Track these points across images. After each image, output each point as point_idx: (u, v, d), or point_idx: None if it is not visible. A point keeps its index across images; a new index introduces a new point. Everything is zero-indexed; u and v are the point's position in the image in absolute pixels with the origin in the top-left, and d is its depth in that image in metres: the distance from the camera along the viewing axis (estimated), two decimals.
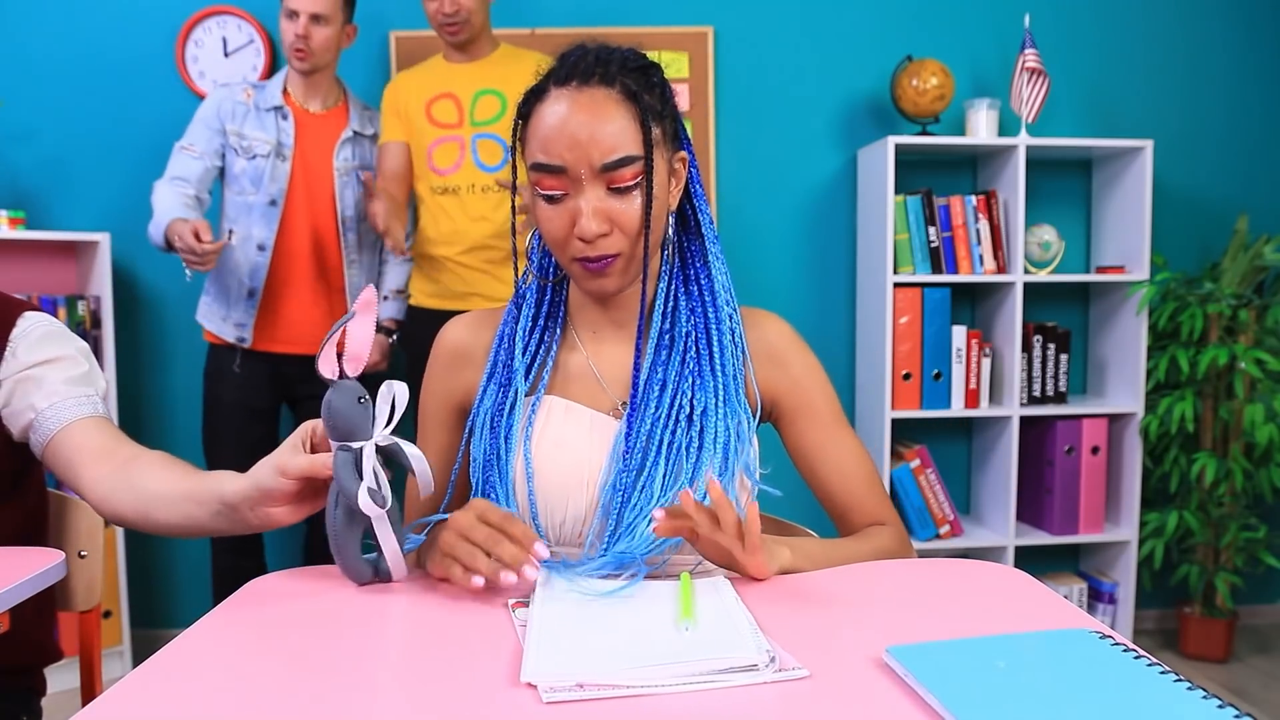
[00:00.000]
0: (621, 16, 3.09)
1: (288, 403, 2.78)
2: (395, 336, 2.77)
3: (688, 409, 1.13)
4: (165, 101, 3.00)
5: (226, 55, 3.03)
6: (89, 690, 1.40)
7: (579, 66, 1.08)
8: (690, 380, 1.14)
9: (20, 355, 1.31)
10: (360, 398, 0.95)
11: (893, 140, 2.88)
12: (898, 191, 2.95)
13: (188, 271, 2.43)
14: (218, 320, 2.65)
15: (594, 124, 1.05)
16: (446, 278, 2.64)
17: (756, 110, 3.14)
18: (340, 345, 0.97)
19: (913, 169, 3.14)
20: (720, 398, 1.13)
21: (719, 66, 3.12)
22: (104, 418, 1.31)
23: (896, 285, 2.94)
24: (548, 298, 1.23)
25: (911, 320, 2.96)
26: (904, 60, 3.00)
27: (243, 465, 3.14)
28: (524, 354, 1.19)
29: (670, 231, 1.18)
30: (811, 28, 3.15)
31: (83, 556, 1.42)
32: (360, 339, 0.97)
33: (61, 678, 2.10)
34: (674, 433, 1.11)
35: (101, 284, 2.85)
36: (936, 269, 2.98)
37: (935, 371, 2.98)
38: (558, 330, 1.22)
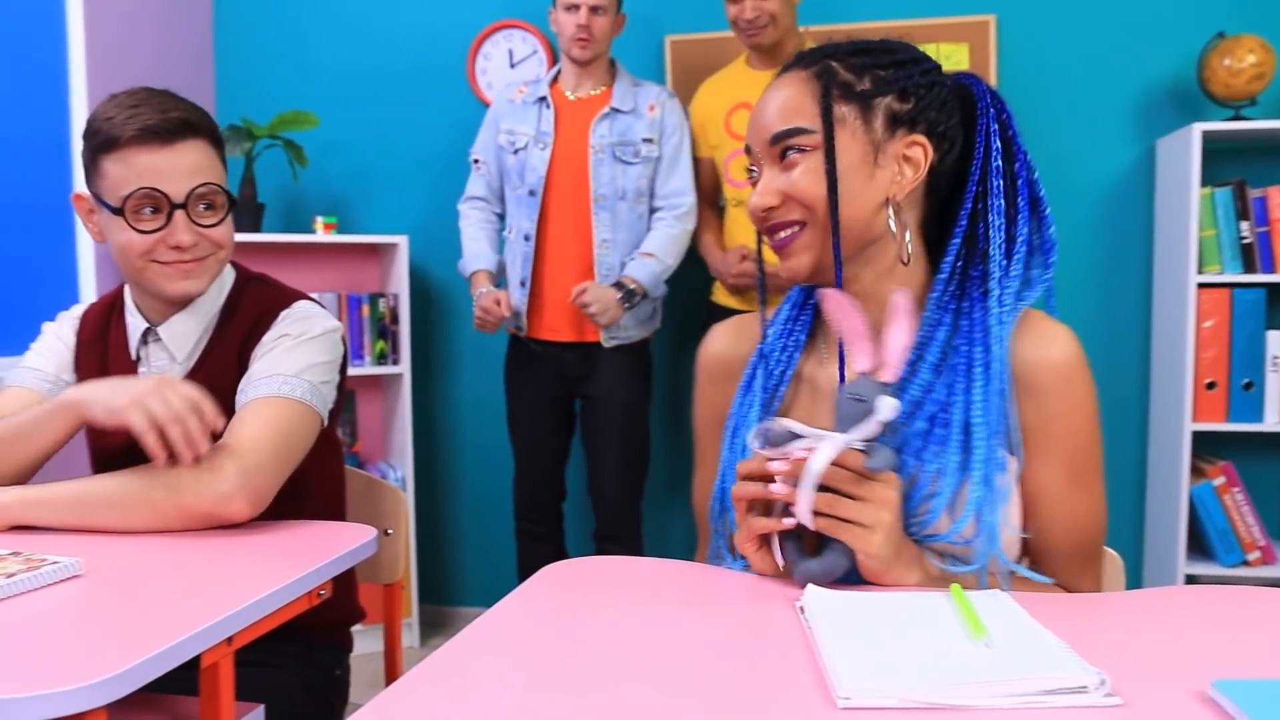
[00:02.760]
0: (898, 9, 3.00)
1: (580, 398, 2.81)
2: (624, 295, 2.57)
3: (944, 418, 1.01)
4: (457, 112, 3.22)
5: (513, 66, 3.21)
6: (391, 655, 1.54)
7: (797, 57, 1.10)
8: (946, 388, 1.02)
9: (276, 330, 1.39)
10: (852, 395, 0.95)
11: (1199, 127, 2.63)
12: (1204, 183, 2.69)
13: (476, 321, 2.68)
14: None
15: (768, 101, 1.07)
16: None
17: (1042, 101, 2.96)
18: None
19: (1221, 158, 2.85)
20: (986, 413, 1.00)
21: (1001, 56, 2.96)
22: (271, 398, 1.32)
23: (1200, 286, 2.68)
24: (800, 311, 1.17)
25: (1218, 324, 2.69)
26: (1215, 37, 2.73)
27: (531, 452, 3.23)
28: (771, 367, 1.14)
29: (894, 226, 1.05)
30: (1105, 8, 2.93)
31: (388, 534, 1.54)
32: (893, 345, 0.96)
33: (358, 642, 2.30)
34: (939, 443, 1.00)
35: (400, 283, 3.09)
36: (1249, 268, 2.70)
37: (1245, 381, 2.70)
38: (803, 340, 1.15)
